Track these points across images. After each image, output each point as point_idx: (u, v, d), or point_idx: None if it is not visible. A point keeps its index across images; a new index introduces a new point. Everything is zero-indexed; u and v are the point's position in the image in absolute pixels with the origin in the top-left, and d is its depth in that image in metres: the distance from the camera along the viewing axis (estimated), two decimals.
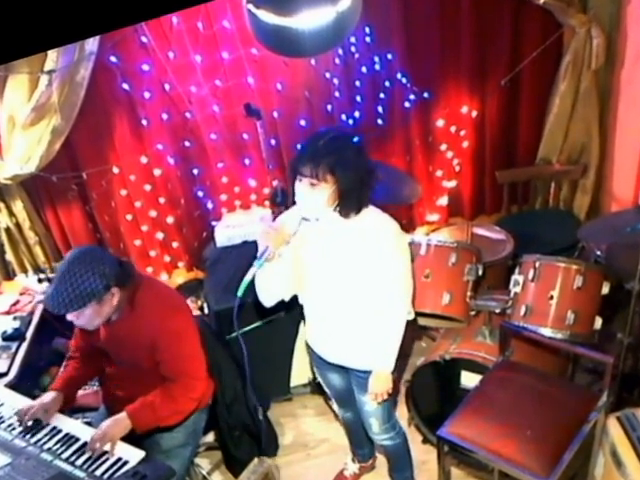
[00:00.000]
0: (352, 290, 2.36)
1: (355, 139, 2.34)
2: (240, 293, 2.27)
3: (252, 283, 2.32)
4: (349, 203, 2.24)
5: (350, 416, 2.99)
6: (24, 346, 3.13)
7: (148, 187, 4.07)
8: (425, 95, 4.09)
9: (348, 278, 2.34)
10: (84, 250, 2.35)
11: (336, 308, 2.42)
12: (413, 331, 3.83)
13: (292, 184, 2.28)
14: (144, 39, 3.64)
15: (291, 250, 2.36)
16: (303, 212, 2.31)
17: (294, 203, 2.34)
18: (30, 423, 2.46)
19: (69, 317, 2.33)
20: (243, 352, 2.43)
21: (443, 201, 4.50)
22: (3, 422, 2.51)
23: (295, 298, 2.60)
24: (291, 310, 3.35)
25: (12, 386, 2.84)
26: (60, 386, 2.61)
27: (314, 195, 2.22)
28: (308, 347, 2.78)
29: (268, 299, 2.48)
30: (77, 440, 2.42)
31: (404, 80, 4.02)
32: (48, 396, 2.55)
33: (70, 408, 2.69)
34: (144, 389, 2.50)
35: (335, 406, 3.07)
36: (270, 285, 2.42)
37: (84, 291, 2.23)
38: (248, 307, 3.24)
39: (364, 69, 3.97)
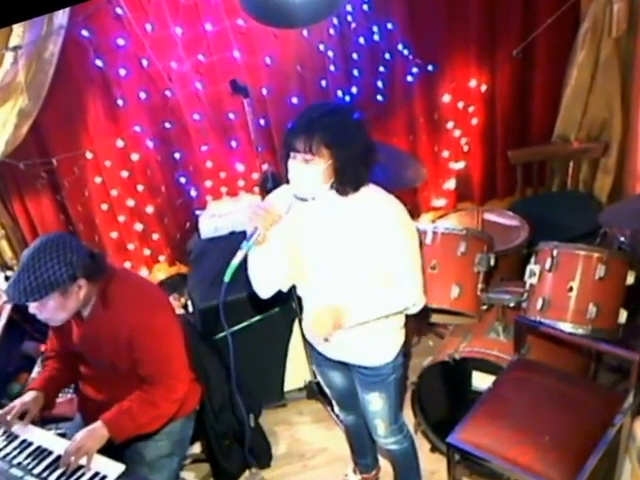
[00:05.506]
0: (352, 275, 2.35)
1: (353, 113, 2.34)
2: (227, 278, 2.26)
3: (239, 270, 2.29)
4: (346, 179, 2.25)
5: (352, 420, 2.98)
6: None
7: (125, 173, 4.06)
8: (429, 68, 4.08)
9: (347, 261, 2.33)
10: (52, 237, 2.36)
11: (335, 296, 2.39)
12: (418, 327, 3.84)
13: (285, 162, 2.29)
14: (119, 10, 3.62)
15: (283, 232, 2.36)
16: (298, 191, 2.32)
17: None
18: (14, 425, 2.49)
19: (31, 309, 2.34)
20: (230, 352, 2.42)
21: (450, 184, 4.49)
22: None
23: (289, 293, 2.58)
24: (285, 307, 3.35)
25: None
26: (40, 385, 2.61)
27: (309, 172, 2.23)
28: (306, 343, 2.77)
29: (264, 289, 2.48)
30: (50, 453, 2.41)
31: (406, 52, 4.00)
32: (28, 395, 2.55)
33: (50, 413, 2.70)
34: (123, 392, 2.50)
35: (336, 409, 3.06)
36: (263, 272, 2.42)
37: (47, 280, 2.24)
38: (239, 303, 3.23)
39: (362, 40, 3.95)
